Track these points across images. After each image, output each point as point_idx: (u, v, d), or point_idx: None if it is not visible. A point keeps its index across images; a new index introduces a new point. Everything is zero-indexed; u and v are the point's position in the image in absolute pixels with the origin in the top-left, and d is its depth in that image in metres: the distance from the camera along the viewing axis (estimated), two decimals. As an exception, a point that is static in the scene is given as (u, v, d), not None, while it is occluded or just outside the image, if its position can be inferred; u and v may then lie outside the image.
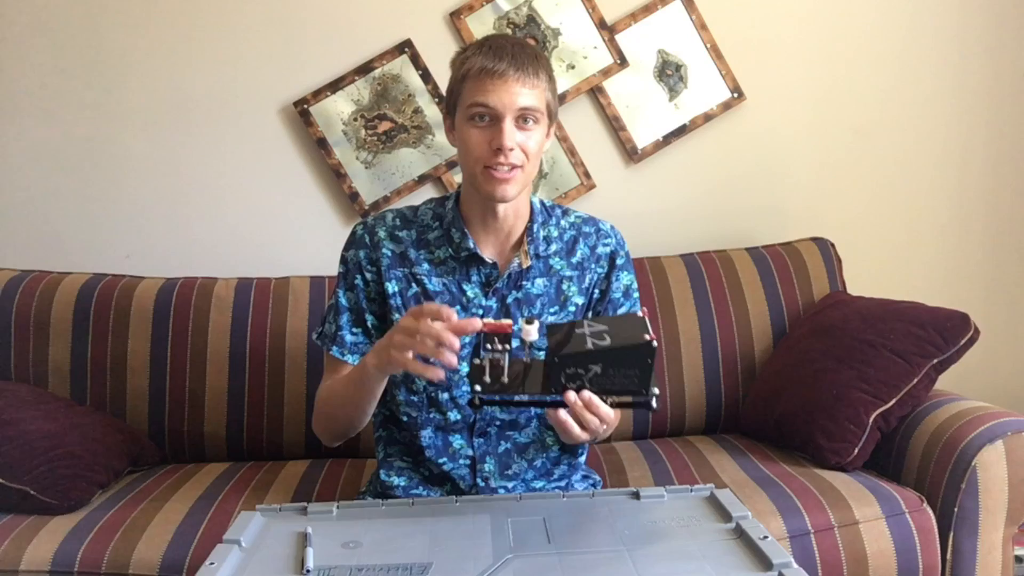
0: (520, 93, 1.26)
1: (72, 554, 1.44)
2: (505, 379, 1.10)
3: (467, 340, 1.37)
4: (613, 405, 1.10)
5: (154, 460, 1.89)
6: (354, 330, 1.41)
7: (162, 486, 1.70)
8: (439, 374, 1.13)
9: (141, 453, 1.83)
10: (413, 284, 1.38)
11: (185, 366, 1.92)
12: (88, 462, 1.62)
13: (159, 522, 1.52)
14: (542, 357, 1.10)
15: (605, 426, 1.13)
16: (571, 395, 1.08)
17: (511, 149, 1.26)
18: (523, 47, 1.30)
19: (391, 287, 1.38)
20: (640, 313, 1.10)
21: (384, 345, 1.19)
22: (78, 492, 1.57)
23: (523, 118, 1.28)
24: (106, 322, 1.94)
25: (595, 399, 1.08)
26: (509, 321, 1.09)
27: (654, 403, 1.08)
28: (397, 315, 1.37)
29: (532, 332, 1.09)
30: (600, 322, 1.10)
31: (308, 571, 0.98)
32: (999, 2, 2.30)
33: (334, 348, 1.41)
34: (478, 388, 1.10)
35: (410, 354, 1.13)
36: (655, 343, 1.04)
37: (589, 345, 1.05)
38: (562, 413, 1.11)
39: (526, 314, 1.38)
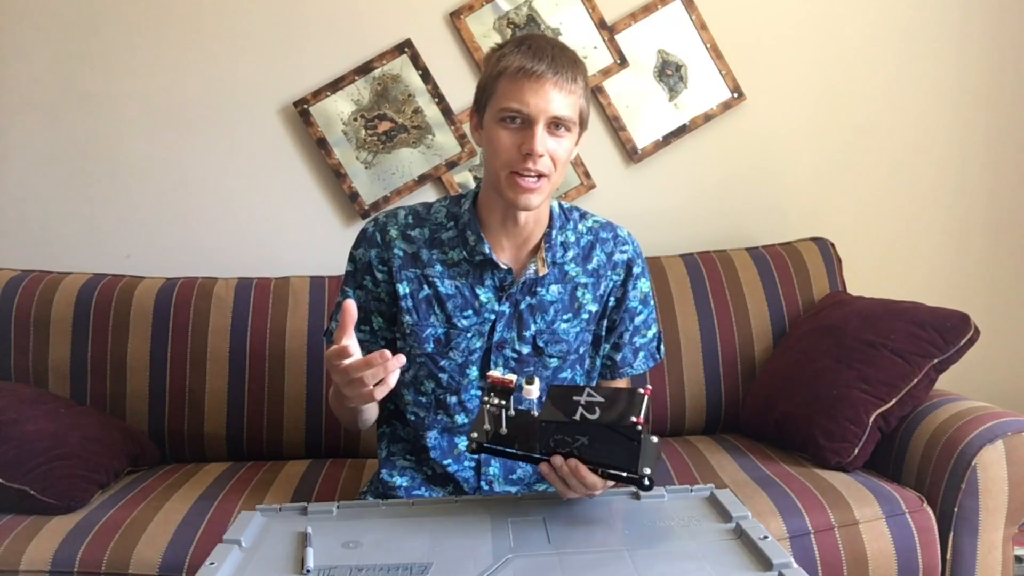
0: (556, 99, 1.23)
1: (72, 554, 1.44)
2: (503, 430, 1.11)
3: (477, 345, 1.36)
4: (603, 476, 1.09)
5: (154, 460, 1.89)
6: (362, 327, 1.40)
7: (162, 486, 1.70)
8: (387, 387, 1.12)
9: (141, 453, 1.83)
10: (425, 286, 1.36)
11: (185, 366, 1.92)
12: (88, 462, 1.62)
13: (159, 522, 1.52)
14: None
15: (598, 492, 1.12)
16: (557, 459, 1.08)
17: (541, 155, 1.23)
18: (563, 50, 1.27)
19: (403, 288, 1.36)
20: (643, 391, 1.08)
21: (344, 396, 1.17)
22: (78, 492, 1.57)
23: (555, 125, 1.25)
24: (106, 322, 1.94)
25: (581, 467, 1.08)
26: (513, 377, 1.09)
27: (646, 482, 1.07)
28: (408, 317, 1.36)
29: (533, 392, 1.09)
30: (600, 393, 1.09)
31: (308, 571, 0.98)
32: (999, 2, 2.30)
33: None
34: (475, 435, 1.11)
35: (367, 390, 1.11)
36: (640, 427, 1.03)
37: (576, 417, 1.05)
38: (545, 467, 1.10)
39: (539, 320, 1.37)
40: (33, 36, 2.16)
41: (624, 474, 1.08)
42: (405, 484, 1.41)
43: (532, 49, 1.24)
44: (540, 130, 1.23)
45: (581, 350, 1.42)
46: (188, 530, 1.50)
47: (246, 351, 1.93)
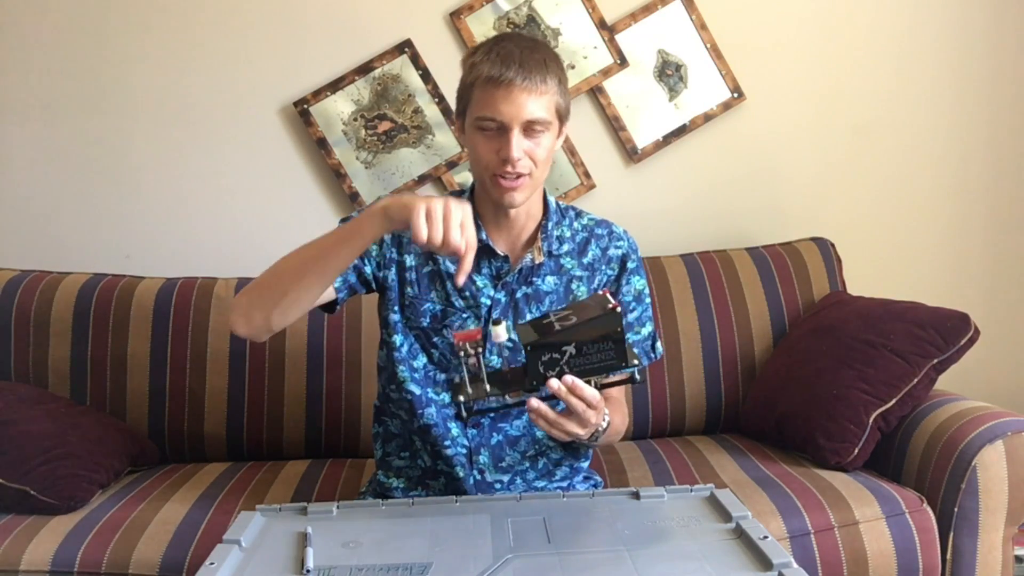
0: (527, 104, 1.25)
1: (72, 554, 1.44)
2: (487, 386, 1.12)
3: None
4: (598, 386, 1.11)
5: (154, 460, 1.88)
6: (335, 284, 1.35)
7: (162, 486, 1.70)
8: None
9: (141, 453, 1.83)
10: (430, 262, 1.40)
11: (185, 366, 1.92)
12: (88, 462, 1.62)
13: (159, 522, 1.52)
14: (517, 362, 1.12)
15: (595, 417, 1.14)
16: (553, 382, 1.09)
17: (518, 159, 1.27)
18: (533, 51, 1.29)
19: (409, 260, 1.40)
20: (603, 292, 1.13)
21: (412, 200, 1.13)
22: (78, 492, 1.57)
23: (531, 126, 1.27)
24: (106, 322, 1.94)
25: (578, 382, 1.10)
26: (478, 328, 1.11)
27: (637, 375, 1.10)
28: (409, 289, 1.39)
29: (501, 333, 1.11)
30: (565, 309, 1.13)
31: (308, 571, 0.98)
32: (999, 2, 2.30)
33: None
34: (462, 399, 1.12)
35: (425, 220, 1.10)
36: (619, 309, 1.07)
37: (557, 327, 1.08)
38: (534, 401, 1.11)
39: (535, 310, 1.39)
40: (34, 37, 2.16)
41: (617, 375, 1.10)
42: (402, 486, 1.43)
43: (500, 56, 1.26)
44: (515, 135, 1.26)
45: None
46: (188, 530, 1.50)
47: (246, 351, 1.93)
